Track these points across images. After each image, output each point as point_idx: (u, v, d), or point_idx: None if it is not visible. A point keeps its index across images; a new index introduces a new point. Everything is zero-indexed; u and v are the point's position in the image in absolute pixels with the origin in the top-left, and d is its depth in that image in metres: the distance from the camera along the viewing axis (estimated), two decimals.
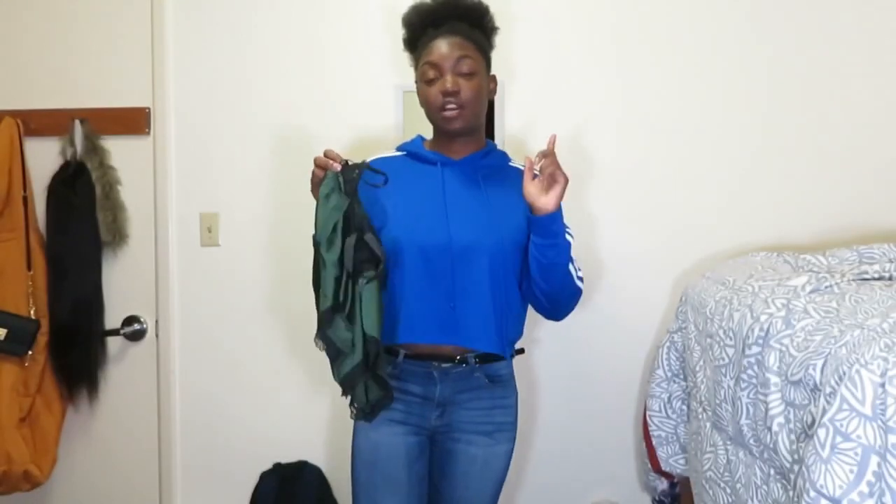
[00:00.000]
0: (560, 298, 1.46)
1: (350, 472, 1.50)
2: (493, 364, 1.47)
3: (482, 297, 1.42)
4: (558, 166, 1.35)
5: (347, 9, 2.07)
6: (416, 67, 1.47)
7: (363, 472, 1.46)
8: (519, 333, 1.56)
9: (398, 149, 1.55)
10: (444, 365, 1.43)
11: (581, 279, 1.48)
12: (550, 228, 1.37)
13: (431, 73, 1.41)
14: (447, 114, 1.41)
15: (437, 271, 1.40)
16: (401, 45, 1.53)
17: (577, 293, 1.48)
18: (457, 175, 1.47)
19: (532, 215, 1.38)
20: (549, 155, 1.35)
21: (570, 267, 1.44)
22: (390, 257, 1.39)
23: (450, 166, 1.48)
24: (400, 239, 1.40)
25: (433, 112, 1.44)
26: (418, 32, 1.46)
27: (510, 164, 1.57)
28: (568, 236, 1.43)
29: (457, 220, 1.41)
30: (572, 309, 1.51)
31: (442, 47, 1.41)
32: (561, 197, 1.36)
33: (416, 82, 1.47)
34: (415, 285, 1.41)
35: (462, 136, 1.47)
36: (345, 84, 2.09)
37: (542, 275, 1.41)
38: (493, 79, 1.51)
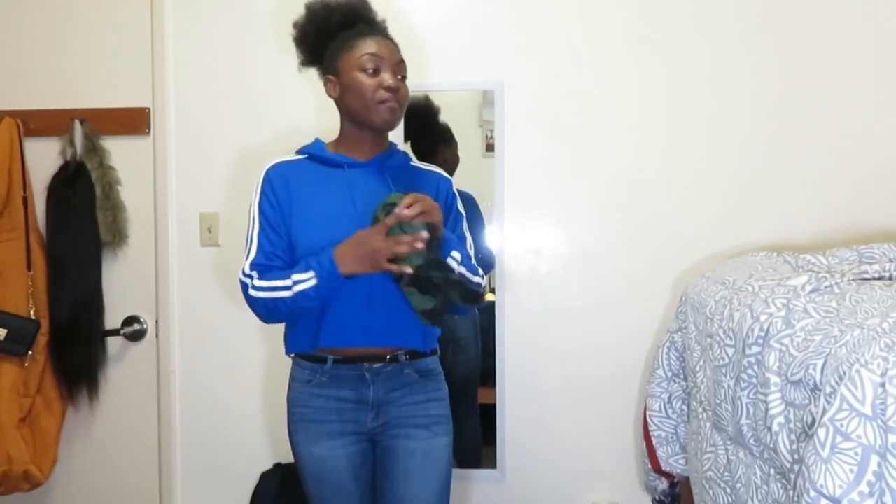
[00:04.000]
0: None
1: (302, 481, 1.48)
2: (422, 360, 1.47)
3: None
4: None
5: None
6: (337, 58, 1.44)
7: (312, 485, 1.45)
8: (439, 329, 1.55)
9: (298, 152, 1.52)
10: (375, 365, 1.41)
11: (475, 282, 1.46)
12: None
13: (372, 65, 1.40)
14: (388, 106, 1.40)
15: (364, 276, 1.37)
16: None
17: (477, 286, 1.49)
18: (364, 176, 1.45)
19: None
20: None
21: (466, 273, 1.43)
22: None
23: (356, 168, 1.46)
24: (311, 244, 1.38)
25: (368, 104, 1.40)
26: (335, 26, 1.45)
27: (412, 163, 1.57)
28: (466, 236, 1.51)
29: (368, 221, 1.39)
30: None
31: (382, 45, 1.42)
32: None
33: (338, 73, 1.43)
34: (354, 291, 1.38)
35: (383, 133, 1.48)
36: None
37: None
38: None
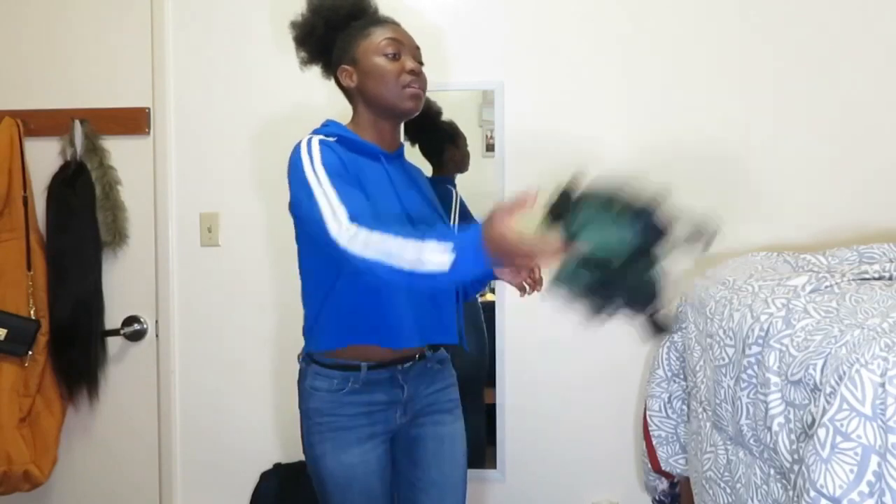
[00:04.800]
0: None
1: (319, 495, 1.41)
2: (439, 350, 1.49)
3: (450, 291, 1.42)
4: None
5: None
6: (353, 45, 1.37)
7: (338, 494, 1.38)
8: None
9: (316, 132, 1.37)
10: (405, 366, 1.40)
11: None
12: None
13: (393, 49, 1.35)
14: (411, 90, 1.34)
15: None
16: None
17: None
18: (397, 171, 1.42)
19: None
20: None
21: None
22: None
23: (389, 162, 1.40)
24: None
25: (392, 88, 1.33)
26: (344, 17, 1.41)
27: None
28: None
29: (413, 218, 1.35)
30: None
31: (399, 31, 1.38)
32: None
33: (355, 62, 1.36)
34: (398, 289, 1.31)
35: (405, 119, 1.42)
36: None
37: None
38: None
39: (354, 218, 1.12)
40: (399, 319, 1.34)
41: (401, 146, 1.47)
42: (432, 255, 1.05)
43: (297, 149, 1.28)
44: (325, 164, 1.22)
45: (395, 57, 1.35)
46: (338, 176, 1.20)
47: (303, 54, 1.49)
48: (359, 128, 1.40)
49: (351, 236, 1.11)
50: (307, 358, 1.43)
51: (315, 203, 1.17)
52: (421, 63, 1.40)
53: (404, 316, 1.34)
